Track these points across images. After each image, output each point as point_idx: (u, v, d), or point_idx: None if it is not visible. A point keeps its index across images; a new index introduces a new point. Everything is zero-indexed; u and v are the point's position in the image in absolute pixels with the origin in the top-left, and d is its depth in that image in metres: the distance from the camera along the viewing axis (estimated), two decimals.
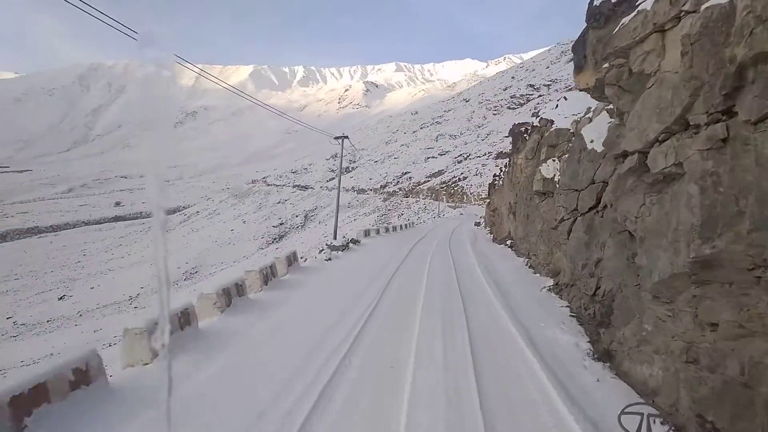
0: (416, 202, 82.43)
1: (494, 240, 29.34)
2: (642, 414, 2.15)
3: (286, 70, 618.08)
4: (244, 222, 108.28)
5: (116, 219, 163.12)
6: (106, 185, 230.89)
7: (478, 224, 45.96)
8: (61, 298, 77.47)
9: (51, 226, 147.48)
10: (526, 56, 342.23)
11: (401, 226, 44.51)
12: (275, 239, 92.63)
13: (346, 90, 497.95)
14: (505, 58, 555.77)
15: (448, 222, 53.45)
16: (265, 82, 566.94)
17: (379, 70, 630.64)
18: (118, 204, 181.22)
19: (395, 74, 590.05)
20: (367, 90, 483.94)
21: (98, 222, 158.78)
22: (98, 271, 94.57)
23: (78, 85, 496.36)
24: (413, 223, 53.87)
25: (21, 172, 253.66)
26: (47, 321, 65.33)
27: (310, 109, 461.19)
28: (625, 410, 2.33)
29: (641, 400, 3.09)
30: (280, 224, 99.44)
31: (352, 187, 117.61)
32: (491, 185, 41.18)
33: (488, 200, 44.03)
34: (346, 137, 30.27)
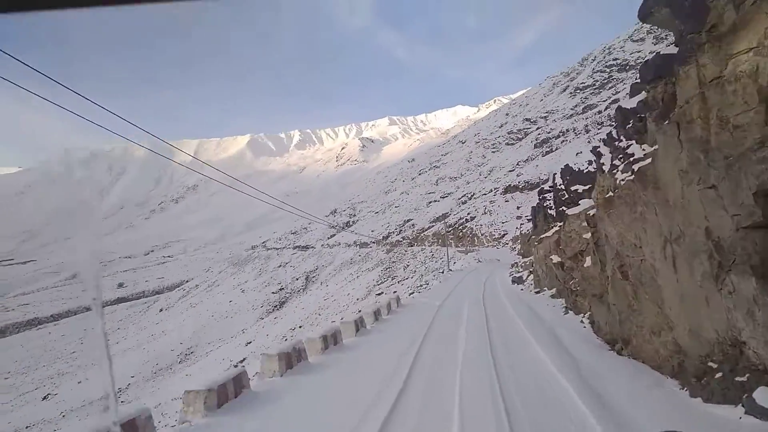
0: (422, 250, 75.83)
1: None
2: None
3: (283, 135, 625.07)
4: (242, 291, 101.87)
5: (119, 301, 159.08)
6: (110, 267, 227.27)
7: (518, 281, 29.89)
8: (45, 397, 70.63)
9: (51, 316, 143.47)
10: (516, 96, 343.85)
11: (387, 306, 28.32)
12: (275, 307, 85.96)
13: (343, 148, 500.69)
14: (495, 101, 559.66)
15: (467, 280, 35.00)
16: (262, 149, 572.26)
17: (373, 125, 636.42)
18: (120, 285, 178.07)
19: (389, 128, 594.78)
20: (363, 146, 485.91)
21: (102, 305, 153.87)
22: (89, 361, 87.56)
23: (83, 170, 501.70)
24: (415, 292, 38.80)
25: (24, 263, 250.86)
26: (26, 428, 58.61)
27: (309, 170, 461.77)
28: None
29: None
30: (280, 290, 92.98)
31: (354, 242, 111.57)
32: (559, 202, 22.17)
33: (537, 238, 27.22)
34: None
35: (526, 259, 35.49)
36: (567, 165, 21.42)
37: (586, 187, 16.93)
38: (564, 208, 19.13)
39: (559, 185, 22.11)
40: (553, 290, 21.10)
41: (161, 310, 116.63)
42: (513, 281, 30.37)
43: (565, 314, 16.86)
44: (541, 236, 22.77)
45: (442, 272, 47.41)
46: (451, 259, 52.85)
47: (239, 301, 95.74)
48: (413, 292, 38.91)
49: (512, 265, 38.96)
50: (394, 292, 43.17)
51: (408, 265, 67.14)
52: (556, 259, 19.51)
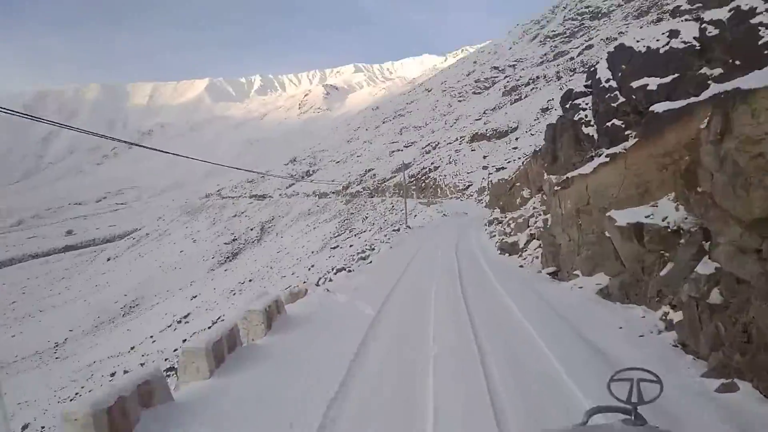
0: (382, 201, 72.19)
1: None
2: (632, 379, 2.06)
3: (243, 80, 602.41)
4: (194, 241, 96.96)
5: (66, 249, 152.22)
6: (59, 214, 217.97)
7: (509, 249, 19.21)
8: None
9: None
10: (485, 44, 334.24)
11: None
12: (227, 258, 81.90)
13: (306, 95, 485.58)
14: (462, 50, 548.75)
15: (430, 245, 23.67)
16: (222, 94, 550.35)
17: (338, 72, 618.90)
18: (69, 233, 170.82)
19: (354, 75, 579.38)
20: (327, 93, 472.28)
21: (46, 254, 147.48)
22: (27, 313, 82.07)
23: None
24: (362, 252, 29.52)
25: None
26: None
27: (270, 117, 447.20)
28: (614, 377, 2.19)
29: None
30: (233, 240, 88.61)
31: (313, 192, 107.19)
32: (607, 111, 11.90)
33: (558, 179, 14.97)
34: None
35: (512, 215, 24.21)
36: (622, 45, 11.84)
37: (666, 79, 9.77)
38: (619, 121, 11.08)
39: (607, 81, 11.92)
40: (607, 281, 10.42)
41: (108, 260, 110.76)
42: (501, 250, 19.54)
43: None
44: (569, 174, 12.36)
45: (397, 230, 35.90)
46: (411, 211, 47.80)
47: (190, 251, 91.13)
48: (343, 268, 25.14)
49: (489, 222, 29.16)
50: (304, 282, 20.35)
51: (367, 217, 63.70)
52: (622, 218, 9.34)
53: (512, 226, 21.61)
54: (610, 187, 10.27)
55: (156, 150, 12.67)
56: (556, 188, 13.57)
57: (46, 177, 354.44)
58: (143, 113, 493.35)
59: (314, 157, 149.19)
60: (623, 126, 11.01)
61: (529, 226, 19.09)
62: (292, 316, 9.80)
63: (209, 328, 43.31)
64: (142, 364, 33.39)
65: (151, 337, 46.84)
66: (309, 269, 41.01)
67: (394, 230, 36.95)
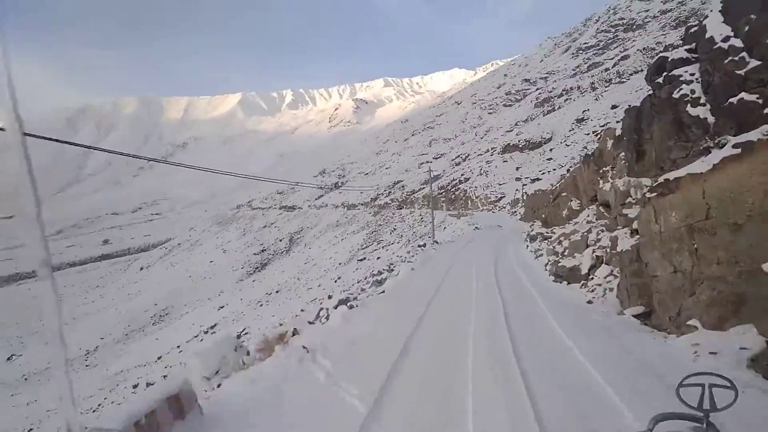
0: (411, 213, 71.29)
1: None
2: (703, 384, 1.95)
3: (275, 95, 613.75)
4: (224, 251, 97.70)
5: (102, 258, 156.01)
6: (97, 224, 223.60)
7: (566, 275, 14.13)
8: (9, 358, 67.04)
9: (33, 272, 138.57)
10: (516, 58, 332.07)
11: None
12: (256, 269, 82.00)
13: (336, 109, 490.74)
14: (492, 64, 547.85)
15: (461, 266, 18.88)
16: (254, 108, 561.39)
17: (367, 87, 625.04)
18: (106, 242, 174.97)
19: (384, 89, 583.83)
20: (357, 107, 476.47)
21: (83, 262, 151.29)
22: (62, 320, 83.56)
23: (67, 127, 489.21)
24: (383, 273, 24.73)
25: (8, 218, 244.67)
26: None
27: (301, 131, 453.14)
28: (684, 382, 2.04)
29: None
30: (262, 251, 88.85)
31: (342, 204, 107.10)
32: (727, 84, 7.84)
33: (653, 181, 9.57)
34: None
35: (563, 230, 19.21)
36: None
37: None
38: (751, 95, 7.48)
39: (725, 41, 8.12)
40: (762, 344, 6.06)
41: (141, 269, 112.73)
42: (556, 276, 14.73)
43: None
44: (669, 175, 8.67)
45: (423, 245, 30.75)
46: (440, 224, 46.11)
47: (220, 261, 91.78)
48: (346, 300, 15.22)
49: (531, 238, 24.09)
50: (297, 316, 16.69)
51: (395, 229, 62.92)
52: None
53: (565, 244, 16.38)
54: (745, 193, 6.71)
55: (184, 166, 12.28)
56: (649, 195, 9.17)
57: (86, 188, 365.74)
58: (178, 127, 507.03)
59: (343, 169, 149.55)
60: (759, 101, 7.54)
61: (588, 245, 14.52)
62: (218, 414, 5.12)
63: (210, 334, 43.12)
64: (164, 376, 33.18)
65: (178, 347, 46.80)
66: (336, 281, 40.37)
67: (419, 246, 31.23)
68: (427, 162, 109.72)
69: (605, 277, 11.97)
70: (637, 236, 9.88)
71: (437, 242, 30.89)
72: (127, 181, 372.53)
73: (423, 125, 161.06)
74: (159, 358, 45.22)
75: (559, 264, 14.72)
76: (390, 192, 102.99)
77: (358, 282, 27.22)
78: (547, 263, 16.31)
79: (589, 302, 11.03)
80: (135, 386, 36.59)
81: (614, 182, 13.64)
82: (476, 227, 40.49)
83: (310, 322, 11.93)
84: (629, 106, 12.60)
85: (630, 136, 11.85)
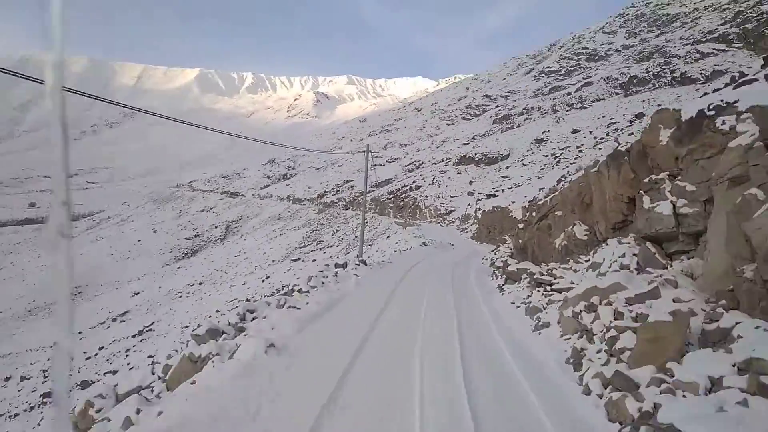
0: (356, 215, 68.47)
1: None
2: None
3: (235, 75, 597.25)
4: (154, 232, 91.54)
5: (26, 221, 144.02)
6: (26, 185, 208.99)
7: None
8: None
9: None
10: (479, 74, 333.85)
11: None
12: (186, 255, 76.91)
13: (296, 99, 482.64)
14: (456, 77, 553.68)
15: (391, 315, 10.54)
16: (211, 86, 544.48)
17: (330, 81, 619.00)
18: (32, 205, 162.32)
19: (347, 87, 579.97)
20: (318, 100, 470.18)
21: (3, 224, 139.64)
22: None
23: (6, 78, 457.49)
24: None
25: None
26: None
27: (257, 116, 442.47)
28: None
29: None
30: (195, 236, 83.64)
31: (288, 196, 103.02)
32: None
33: None
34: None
35: (569, 274, 12.28)
36: None
37: None
38: None
39: None
40: None
41: None
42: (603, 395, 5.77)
43: None
44: None
45: (343, 266, 17.31)
46: (384, 232, 42.33)
47: (148, 242, 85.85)
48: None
49: (502, 275, 16.40)
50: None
51: (338, 230, 60.04)
52: None
53: (582, 307, 8.35)
54: None
55: (199, 126, 9.15)
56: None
57: (19, 145, 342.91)
58: (129, 94, 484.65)
59: (294, 161, 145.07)
60: None
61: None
62: None
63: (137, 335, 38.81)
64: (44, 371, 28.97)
65: (80, 332, 42.18)
66: (263, 281, 37.15)
67: (336, 266, 17.13)
68: (381, 165, 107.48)
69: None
70: None
71: (365, 263, 19.22)
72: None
73: (381, 127, 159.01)
74: (42, 347, 40.26)
75: (599, 371, 6.18)
76: (338, 190, 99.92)
77: (263, 296, 24.02)
78: (589, 373, 6.36)
79: None
80: (7, 378, 31.82)
81: (676, 200, 8.79)
82: (423, 242, 34.84)
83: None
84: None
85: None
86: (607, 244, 10.95)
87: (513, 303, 12.42)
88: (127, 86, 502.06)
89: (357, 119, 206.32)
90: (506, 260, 18.44)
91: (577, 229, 13.93)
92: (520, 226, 19.88)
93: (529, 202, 33.80)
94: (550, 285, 12.10)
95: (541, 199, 20.54)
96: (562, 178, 39.51)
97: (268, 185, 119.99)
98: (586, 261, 12.26)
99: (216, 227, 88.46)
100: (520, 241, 20.31)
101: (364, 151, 21.00)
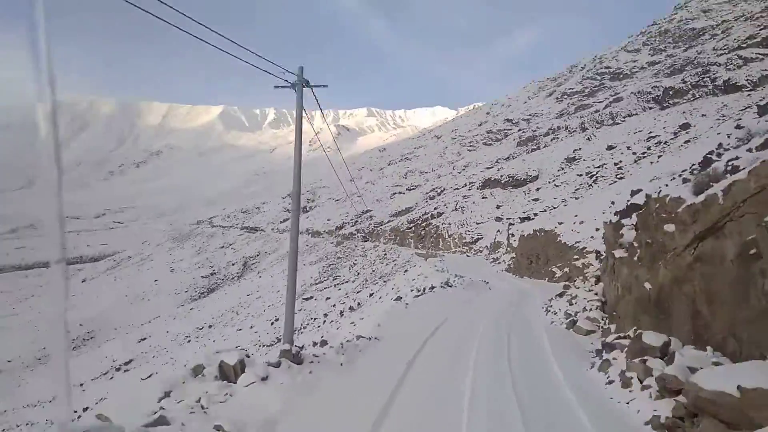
0: (374, 247, 64.96)
1: None
2: None
3: (257, 111, 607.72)
4: (171, 271, 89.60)
5: (49, 264, 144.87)
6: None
7: None
8: None
9: None
10: (499, 99, 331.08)
11: None
12: (201, 294, 74.29)
13: (317, 133, 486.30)
14: (474, 106, 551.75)
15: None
16: (234, 122, 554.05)
17: (350, 114, 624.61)
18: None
19: (367, 119, 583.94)
20: (339, 133, 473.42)
21: (29, 267, 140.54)
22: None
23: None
24: None
25: None
26: None
27: (279, 151, 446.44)
28: None
29: None
30: (211, 274, 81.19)
31: (307, 229, 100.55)
32: None
33: None
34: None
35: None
36: None
37: None
38: None
39: None
40: None
41: (84, 281, 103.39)
42: None
43: None
44: None
45: (321, 350, 10.56)
46: (403, 265, 37.30)
47: (165, 281, 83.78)
48: None
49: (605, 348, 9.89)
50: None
51: (355, 264, 56.62)
52: None
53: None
54: None
55: None
56: None
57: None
58: (155, 133, 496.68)
59: (313, 193, 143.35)
60: None
61: None
62: None
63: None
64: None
65: (81, 384, 39.37)
66: (272, 323, 33.89)
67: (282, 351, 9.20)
68: (400, 193, 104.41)
69: None
70: None
71: (297, 360, 9.07)
72: (95, 184, 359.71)
73: (401, 156, 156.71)
74: (51, 400, 37.46)
75: None
76: (357, 222, 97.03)
77: (263, 347, 20.71)
78: None
79: None
80: None
81: None
82: (447, 282, 25.52)
83: None
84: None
85: None
86: None
87: None
88: (153, 125, 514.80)
89: (377, 149, 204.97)
90: (570, 312, 11.08)
91: None
92: (618, 254, 11.31)
93: (619, 212, 14.02)
94: None
95: (687, 201, 8.38)
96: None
97: (287, 219, 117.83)
98: None
99: (233, 264, 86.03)
100: (631, 287, 10.60)
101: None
